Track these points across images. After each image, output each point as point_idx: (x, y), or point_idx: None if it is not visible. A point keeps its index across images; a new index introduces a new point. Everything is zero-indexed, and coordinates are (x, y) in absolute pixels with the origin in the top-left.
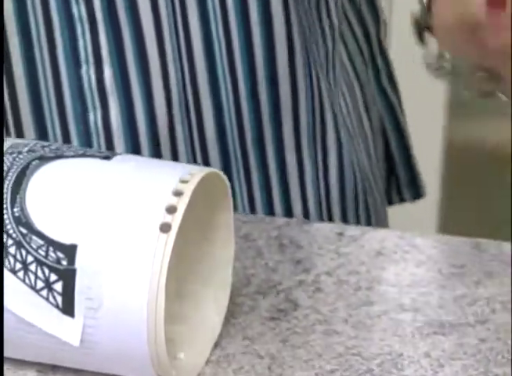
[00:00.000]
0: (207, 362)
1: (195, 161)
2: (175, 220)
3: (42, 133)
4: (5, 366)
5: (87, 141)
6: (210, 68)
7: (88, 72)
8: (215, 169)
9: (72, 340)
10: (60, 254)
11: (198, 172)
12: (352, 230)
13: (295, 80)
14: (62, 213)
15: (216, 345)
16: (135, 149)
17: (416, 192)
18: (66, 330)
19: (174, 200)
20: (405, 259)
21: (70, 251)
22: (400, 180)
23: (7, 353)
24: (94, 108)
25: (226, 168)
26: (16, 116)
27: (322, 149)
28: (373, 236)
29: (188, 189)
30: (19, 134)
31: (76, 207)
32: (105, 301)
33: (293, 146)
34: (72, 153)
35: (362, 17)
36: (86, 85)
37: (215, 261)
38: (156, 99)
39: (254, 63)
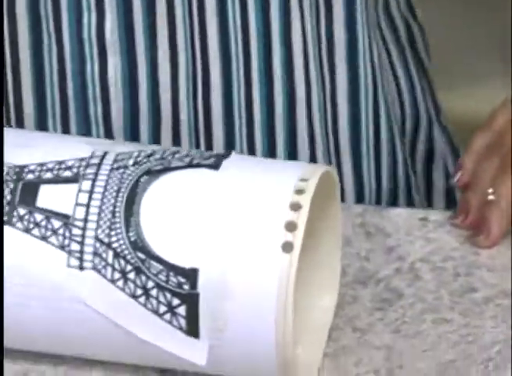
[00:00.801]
0: (324, 355)
1: (197, 140)
2: (297, 238)
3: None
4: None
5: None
6: (222, 36)
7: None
8: (326, 167)
9: (198, 360)
10: (182, 279)
11: (312, 178)
12: (435, 215)
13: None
14: (179, 235)
15: (328, 336)
16: (133, 126)
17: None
18: (192, 351)
19: (293, 217)
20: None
21: (191, 275)
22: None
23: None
24: (94, 99)
25: (229, 148)
26: (16, 91)
27: (333, 135)
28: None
29: (305, 201)
30: (19, 112)
31: (193, 228)
32: (230, 323)
33: (306, 129)
34: (179, 163)
35: None
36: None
37: (325, 249)
38: (161, 73)
39: (270, 35)
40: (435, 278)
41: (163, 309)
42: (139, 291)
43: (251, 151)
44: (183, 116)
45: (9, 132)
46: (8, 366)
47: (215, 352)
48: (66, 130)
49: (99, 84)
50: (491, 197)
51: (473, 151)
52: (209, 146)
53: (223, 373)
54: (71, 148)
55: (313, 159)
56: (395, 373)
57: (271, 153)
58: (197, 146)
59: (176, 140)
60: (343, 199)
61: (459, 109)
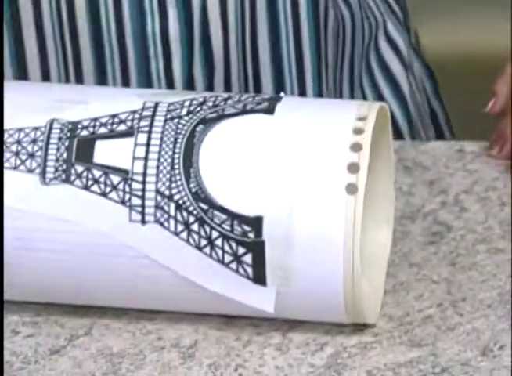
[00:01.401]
0: (385, 292)
1: (246, 85)
2: (360, 180)
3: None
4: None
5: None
6: None
7: None
8: (380, 104)
9: (266, 307)
10: (246, 228)
11: (370, 116)
12: (470, 146)
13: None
14: (241, 183)
15: (386, 273)
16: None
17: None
18: (260, 298)
19: (354, 158)
20: None
21: (256, 223)
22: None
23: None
24: (152, 16)
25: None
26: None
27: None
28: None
29: (365, 141)
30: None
31: (254, 175)
32: (297, 268)
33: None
34: (232, 110)
35: None
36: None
37: (379, 183)
38: (212, 24)
39: None
40: (481, 209)
41: (228, 258)
42: (204, 242)
43: (302, 94)
44: (233, 61)
45: (57, 88)
46: (75, 320)
47: (283, 299)
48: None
49: (160, 39)
50: None
51: (507, 77)
52: (258, 91)
53: (291, 316)
54: (122, 101)
55: None
56: (459, 305)
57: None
58: (247, 91)
59: (227, 87)
60: None
61: (460, 39)
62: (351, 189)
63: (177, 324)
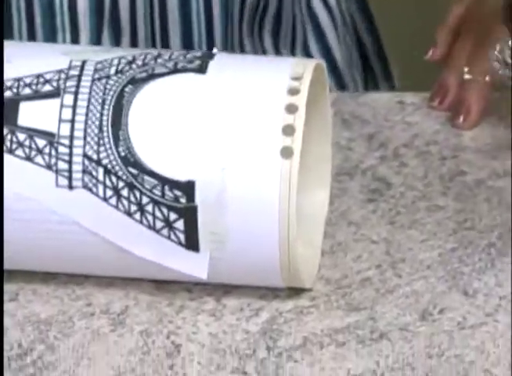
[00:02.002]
0: (322, 253)
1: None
2: (296, 143)
3: None
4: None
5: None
6: None
7: None
8: (316, 62)
9: (199, 274)
10: (178, 192)
11: (305, 75)
12: (411, 97)
13: None
14: (172, 147)
15: (324, 233)
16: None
17: (391, 83)
18: (192, 265)
19: (289, 119)
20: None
21: (187, 187)
22: (375, 73)
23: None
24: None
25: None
26: None
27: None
28: None
29: (301, 103)
30: None
31: (186, 138)
32: (231, 233)
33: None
34: (163, 69)
35: None
36: None
37: (314, 141)
38: None
39: None
40: (421, 164)
41: (160, 224)
42: (134, 208)
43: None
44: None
45: None
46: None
47: (216, 264)
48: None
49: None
50: (467, 76)
51: (447, 25)
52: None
53: (225, 281)
54: (47, 59)
55: None
56: (398, 266)
57: None
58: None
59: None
60: None
61: None
62: (287, 152)
63: (107, 289)
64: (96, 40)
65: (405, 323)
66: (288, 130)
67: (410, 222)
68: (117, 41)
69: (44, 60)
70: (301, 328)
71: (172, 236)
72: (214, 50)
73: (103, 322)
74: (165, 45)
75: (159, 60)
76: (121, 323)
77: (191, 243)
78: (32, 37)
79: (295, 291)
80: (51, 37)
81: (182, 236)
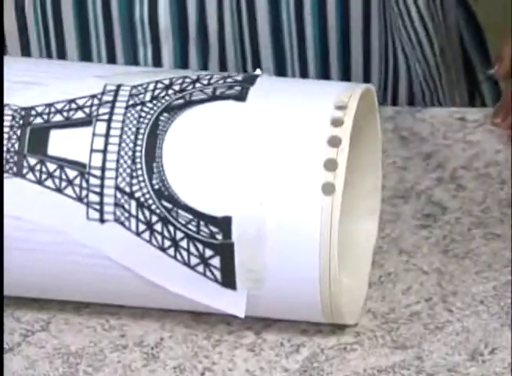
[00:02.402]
0: (370, 284)
1: (244, 62)
2: (338, 178)
3: None
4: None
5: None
6: None
7: None
8: (363, 87)
9: (237, 312)
10: (214, 229)
11: (350, 104)
12: (473, 114)
13: None
14: (208, 181)
15: (372, 262)
16: (182, 49)
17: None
18: (229, 302)
19: (332, 153)
20: None
21: (224, 223)
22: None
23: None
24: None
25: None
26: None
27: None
28: None
29: (345, 135)
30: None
31: (223, 171)
32: (270, 271)
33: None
34: (200, 96)
35: None
36: None
37: (363, 167)
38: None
39: None
40: (480, 187)
41: (195, 260)
42: (168, 243)
43: (303, 73)
44: (229, 37)
45: (10, 64)
46: (32, 314)
47: (254, 301)
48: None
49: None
50: None
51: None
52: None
53: (264, 316)
54: (81, 83)
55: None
56: (449, 300)
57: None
58: (245, 69)
59: (223, 66)
60: None
61: None
62: (328, 188)
63: (142, 319)
64: (181, 55)
65: (453, 363)
66: (330, 165)
67: (465, 252)
68: (204, 58)
69: (77, 83)
70: (343, 367)
71: (208, 273)
72: (258, 71)
73: (136, 356)
74: (256, 58)
75: (197, 85)
76: (155, 358)
77: (228, 280)
78: (112, 51)
79: (339, 326)
80: (131, 51)
81: (218, 274)
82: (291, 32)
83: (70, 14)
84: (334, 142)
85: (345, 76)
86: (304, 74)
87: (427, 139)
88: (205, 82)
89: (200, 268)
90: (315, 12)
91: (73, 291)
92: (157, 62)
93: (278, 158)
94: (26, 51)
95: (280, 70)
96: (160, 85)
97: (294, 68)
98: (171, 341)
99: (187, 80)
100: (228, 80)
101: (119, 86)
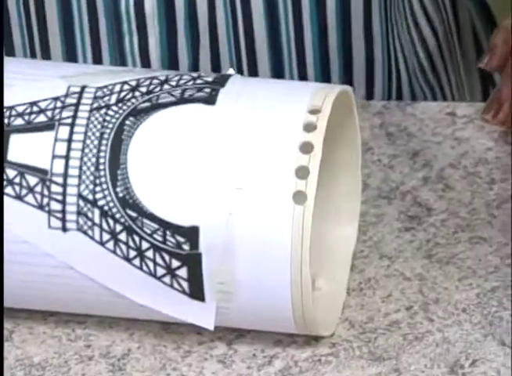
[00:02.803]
0: (349, 291)
1: (239, 61)
2: (310, 187)
3: None
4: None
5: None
6: None
7: None
8: (338, 90)
9: (205, 324)
10: (180, 238)
11: (324, 109)
12: (463, 108)
13: None
14: (175, 189)
15: (352, 267)
16: (171, 41)
17: None
18: (198, 315)
19: (304, 160)
20: None
21: (191, 233)
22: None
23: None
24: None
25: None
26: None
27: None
28: None
29: (317, 141)
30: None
31: (190, 179)
32: (239, 283)
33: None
34: (168, 98)
35: None
36: None
37: (341, 168)
38: None
39: None
40: (467, 187)
41: (161, 271)
42: (133, 253)
43: (302, 75)
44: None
45: None
46: None
47: (225, 312)
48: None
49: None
50: None
51: (504, 31)
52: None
53: (235, 327)
54: (45, 84)
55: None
56: (431, 309)
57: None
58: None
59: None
60: None
61: None
62: (300, 197)
63: (110, 328)
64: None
65: None
66: (302, 172)
67: (449, 257)
68: (194, 45)
69: (41, 85)
70: None
71: (175, 285)
72: (231, 71)
73: (101, 367)
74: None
75: (165, 87)
76: (121, 370)
77: (196, 292)
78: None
79: (314, 336)
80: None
81: (185, 285)
82: (288, 23)
83: (54, 7)
84: (306, 148)
85: (347, 77)
86: (302, 66)
87: (415, 136)
88: (173, 84)
89: (167, 279)
90: (313, 8)
91: (39, 301)
92: (145, 53)
93: (247, 166)
94: (8, 41)
95: (276, 55)
96: (126, 87)
97: (291, 52)
98: (139, 352)
99: (155, 81)
100: (198, 81)
101: (83, 88)
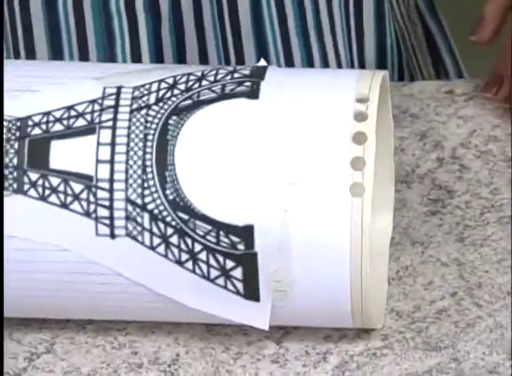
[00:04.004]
0: (389, 280)
1: (226, 51)
2: (367, 177)
3: None
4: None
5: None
6: None
7: None
8: (381, 74)
9: (260, 325)
10: (235, 238)
11: (372, 96)
12: (461, 86)
13: None
14: (227, 188)
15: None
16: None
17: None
18: (252, 315)
19: (358, 151)
20: None
21: (245, 232)
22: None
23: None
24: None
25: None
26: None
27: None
28: None
29: (370, 129)
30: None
31: (242, 177)
32: (295, 282)
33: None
34: (210, 95)
35: None
36: None
37: (377, 157)
38: None
39: None
40: (484, 166)
41: (215, 273)
42: (185, 256)
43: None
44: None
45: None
46: (32, 334)
47: (279, 312)
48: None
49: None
50: None
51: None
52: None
53: (288, 325)
54: (77, 87)
55: None
56: (476, 294)
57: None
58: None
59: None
60: None
61: None
62: (357, 189)
63: (153, 334)
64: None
65: (493, 364)
66: (357, 163)
67: (482, 239)
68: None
69: (74, 88)
70: (377, 375)
71: (229, 286)
72: (262, 62)
73: (153, 375)
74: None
75: (204, 83)
76: None
77: (250, 292)
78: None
79: (364, 329)
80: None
81: (240, 286)
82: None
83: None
84: (359, 138)
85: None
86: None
87: (419, 117)
88: (211, 79)
89: (221, 280)
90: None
91: (79, 309)
92: (137, 55)
93: (300, 160)
94: None
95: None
96: (163, 85)
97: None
98: (188, 356)
99: (192, 77)
100: (236, 75)
101: (119, 88)
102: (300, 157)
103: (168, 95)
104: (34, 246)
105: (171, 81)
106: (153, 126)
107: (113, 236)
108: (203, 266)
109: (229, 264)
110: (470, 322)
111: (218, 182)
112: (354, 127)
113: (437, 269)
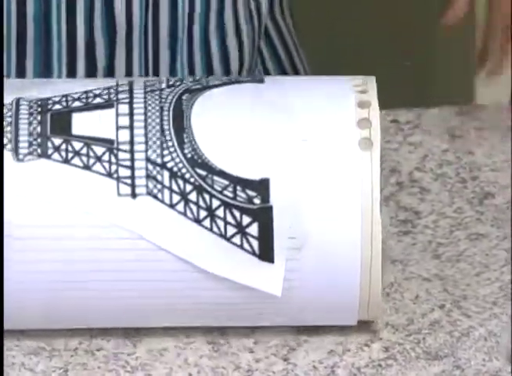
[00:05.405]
0: None
1: (146, 61)
2: (374, 133)
3: None
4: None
5: None
6: None
7: None
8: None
9: (273, 289)
10: (251, 193)
11: (371, 92)
12: (404, 115)
13: None
14: (242, 145)
15: None
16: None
17: None
18: (266, 279)
19: (363, 114)
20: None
21: (262, 186)
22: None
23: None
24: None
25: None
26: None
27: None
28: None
29: (373, 98)
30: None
31: (256, 135)
32: (309, 239)
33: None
34: (217, 82)
35: None
36: None
37: None
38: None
39: None
40: (443, 188)
41: (231, 230)
42: (203, 214)
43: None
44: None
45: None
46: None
47: (291, 285)
48: None
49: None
50: None
51: None
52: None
53: (298, 302)
54: (92, 80)
55: None
56: (463, 305)
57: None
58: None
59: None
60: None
61: None
62: (365, 143)
63: (162, 356)
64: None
65: (495, 369)
66: (364, 123)
67: (457, 255)
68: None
69: (89, 81)
70: None
71: (245, 245)
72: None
73: None
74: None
75: (210, 77)
76: None
77: (265, 252)
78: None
79: (365, 343)
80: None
81: (255, 244)
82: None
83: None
84: (364, 104)
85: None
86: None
87: None
88: (219, 77)
89: (237, 239)
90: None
91: (99, 280)
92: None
93: (310, 119)
94: None
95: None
96: (172, 79)
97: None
98: None
99: (200, 77)
100: (240, 78)
101: (131, 82)
102: (310, 116)
103: (178, 83)
104: (60, 209)
105: (177, 79)
106: (168, 100)
107: (134, 195)
108: (221, 224)
109: (246, 220)
110: (463, 332)
111: (233, 140)
112: (358, 97)
113: (420, 284)
